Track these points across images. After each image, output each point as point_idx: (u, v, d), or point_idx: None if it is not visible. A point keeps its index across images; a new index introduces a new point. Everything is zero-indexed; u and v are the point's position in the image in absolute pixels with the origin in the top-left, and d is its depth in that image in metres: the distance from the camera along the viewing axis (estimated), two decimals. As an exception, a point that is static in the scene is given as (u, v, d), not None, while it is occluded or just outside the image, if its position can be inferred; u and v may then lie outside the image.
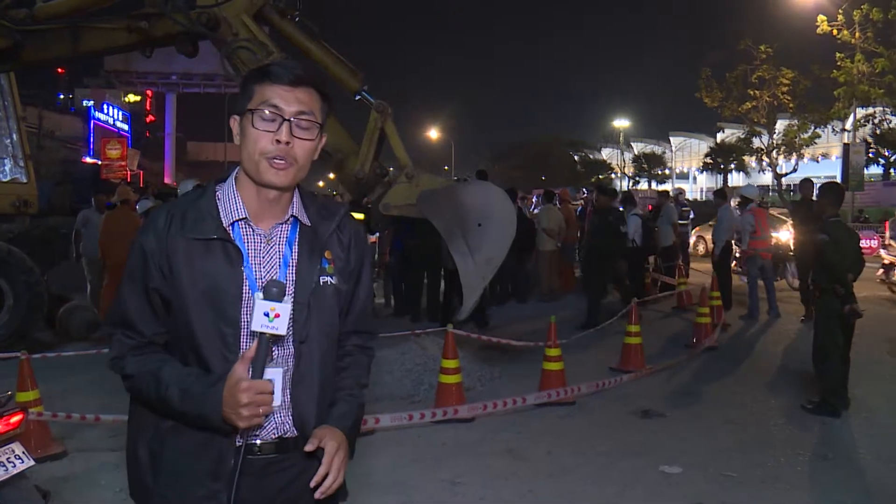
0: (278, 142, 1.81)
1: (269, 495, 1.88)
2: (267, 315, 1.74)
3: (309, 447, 1.83)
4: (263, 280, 1.84)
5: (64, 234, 10.19)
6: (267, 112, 1.81)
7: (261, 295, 1.76)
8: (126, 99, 55.52)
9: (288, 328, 1.80)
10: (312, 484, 1.82)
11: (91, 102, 48.32)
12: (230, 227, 1.85)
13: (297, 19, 8.11)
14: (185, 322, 1.82)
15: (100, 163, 39.10)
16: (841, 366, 6.51)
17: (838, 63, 31.07)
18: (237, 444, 1.81)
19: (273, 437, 1.87)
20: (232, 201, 1.88)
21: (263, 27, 7.97)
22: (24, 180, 9.50)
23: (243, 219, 1.87)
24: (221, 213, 1.86)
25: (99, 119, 47.21)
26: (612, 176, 63.10)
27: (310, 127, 1.86)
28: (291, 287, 1.86)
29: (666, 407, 6.68)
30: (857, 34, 30.00)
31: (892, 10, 28.90)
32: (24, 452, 3.29)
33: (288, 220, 1.93)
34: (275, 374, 1.83)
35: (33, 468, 3.38)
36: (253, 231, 1.88)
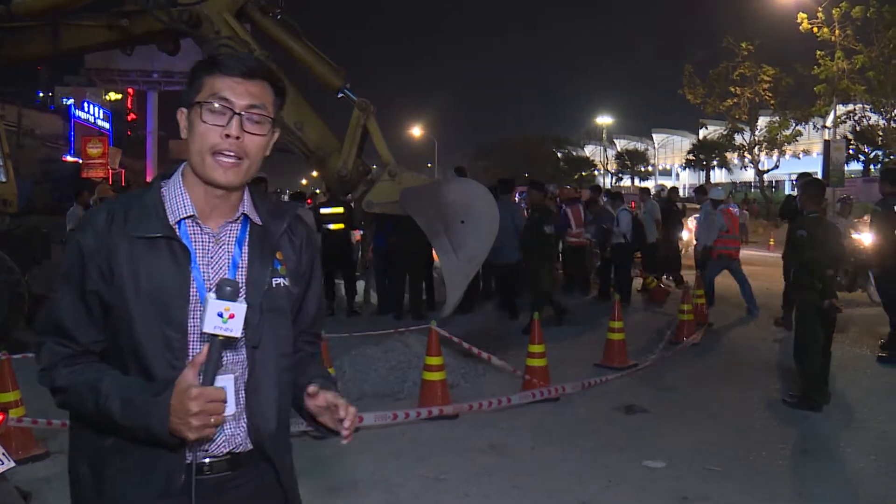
0: (228, 136, 1.71)
1: None
2: (221, 315, 1.60)
3: (312, 388, 1.77)
4: (212, 282, 1.73)
5: (44, 234, 10.10)
6: (216, 105, 1.71)
7: (213, 295, 1.62)
8: (107, 97, 55.04)
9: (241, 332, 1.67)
10: (343, 414, 1.74)
11: (71, 100, 47.84)
12: (176, 226, 1.74)
13: (279, 17, 8.09)
14: (127, 327, 1.69)
15: (81, 161, 38.72)
16: (821, 360, 6.57)
17: (819, 60, 31.41)
18: (187, 460, 1.68)
19: (223, 451, 1.75)
20: (178, 198, 1.77)
21: (245, 25, 7.94)
22: (4, 179, 9.42)
23: (190, 216, 1.76)
24: (167, 211, 1.75)
25: (79, 117, 46.79)
26: (596, 173, 63.36)
27: (261, 121, 1.76)
28: (242, 290, 1.74)
29: (649, 402, 6.71)
30: (837, 32, 30.29)
31: (871, 8, 29.22)
32: (3, 454, 3.26)
33: (238, 218, 1.82)
34: (226, 382, 1.70)
35: (14, 469, 3.35)
36: (201, 230, 1.77)
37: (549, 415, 6.40)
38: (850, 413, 6.48)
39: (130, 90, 58.55)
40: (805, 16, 30.87)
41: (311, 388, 1.78)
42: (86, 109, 48.06)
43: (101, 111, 50.63)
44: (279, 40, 8.05)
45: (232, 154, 1.72)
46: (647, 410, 6.52)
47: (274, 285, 1.81)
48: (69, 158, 41.78)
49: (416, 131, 68.95)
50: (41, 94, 52.27)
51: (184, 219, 1.75)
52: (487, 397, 6.36)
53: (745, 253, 15.39)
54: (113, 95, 56.74)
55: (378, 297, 11.87)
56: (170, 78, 54.57)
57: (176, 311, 1.69)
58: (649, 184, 47.31)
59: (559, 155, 65.82)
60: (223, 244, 1.79)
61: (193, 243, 1.75)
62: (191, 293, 1.71)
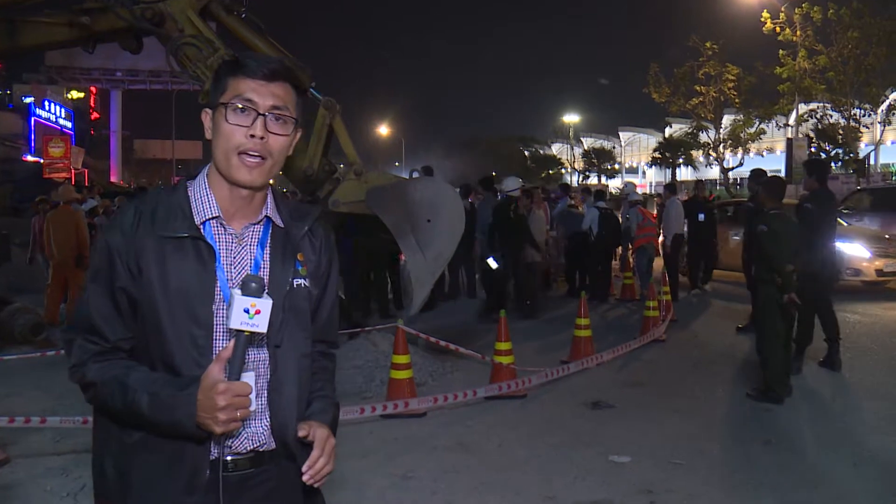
0: (252, 136, 1.76)
1: None
2: (247, 311, 1.64)
3: (302, 433, 1.81)
4: (234, 281, 1.78)
5: (4, 235, 9.91)
6: (241, 106, 1.76)
7: (239, 291, 1.66)
8: (69, 95, 54.06)
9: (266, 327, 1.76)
10: (305, 468, 1.79)
11: (31, 99, 46.92)
12: (202, 226, 1.79)
13: (243, 15, 8.01)
14: (154, 324, 1.74)
15: (42, 161, 38.07)
16: (783, 354, 6.70)
17: (781, 60, 31.94)
18: (212, 456, 1.74)
19: (247, 449, 1.80)
20: (204, 199, 1.81)
21: (210, 23, 7.86)
22: (-39, 180, 9.24)
23: (215, 217, 1.81)
24: (193, 211, 1.79)
25: (40, 116, 45.91)
26: (562, 171, 63.73)
27: (285, 122, 1.81)
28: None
29: (615, 398, 6.79)
30: (798, 32, 30.82)
31: (831, 9, 29.79)
32: (-37, 459, 3.21)
33: (261, 220, 1.87)
34: (248, 379, 1.74)
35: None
36: (224, 230, 1.82)
37: (516, 411, 6.44)
38: (812, 405, 6.62)
39: (93, 88, 57.62)
40: (769, 15, 31.38)
41: (301, 432, 1.83)
42: (46, 108, 47.16)
43: (63, 110, 49.72)
44: (244, 39, 7.96)
45: (256, 154, 1.77)
46: (613, 406, 6.59)
47: (295, 286, 1.86)
48: (30, 158, 41.06)
49: (384, 130, 68.88)
50: (-1, 92, 51.22)
51: (208, 219, 1.80)
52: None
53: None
54: (75, 94, 55.75)
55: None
56: (134, 76, 53.81)
57: (200, 308, 1.75)
58: (616, 182, 47.58)
59: (526, 153, 66.08)
60: (245, 245, 1.84)
61: (217, 243, 1.80)
62: (215, 292, 1.77)
